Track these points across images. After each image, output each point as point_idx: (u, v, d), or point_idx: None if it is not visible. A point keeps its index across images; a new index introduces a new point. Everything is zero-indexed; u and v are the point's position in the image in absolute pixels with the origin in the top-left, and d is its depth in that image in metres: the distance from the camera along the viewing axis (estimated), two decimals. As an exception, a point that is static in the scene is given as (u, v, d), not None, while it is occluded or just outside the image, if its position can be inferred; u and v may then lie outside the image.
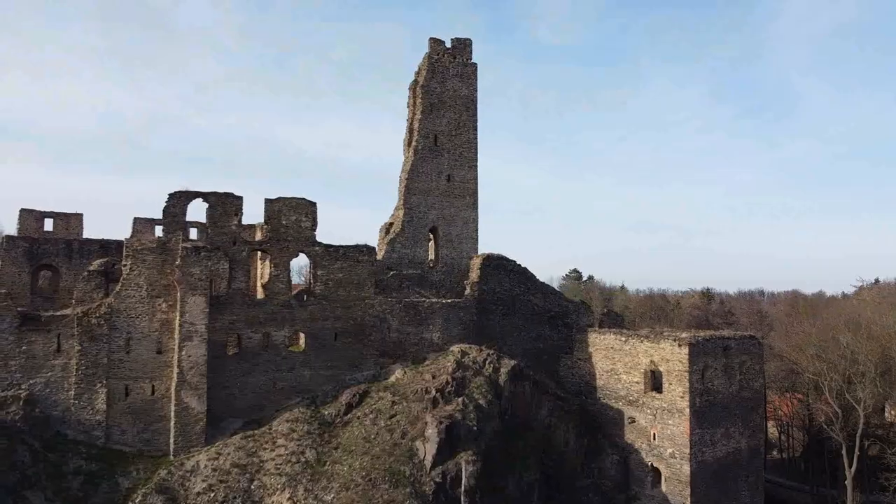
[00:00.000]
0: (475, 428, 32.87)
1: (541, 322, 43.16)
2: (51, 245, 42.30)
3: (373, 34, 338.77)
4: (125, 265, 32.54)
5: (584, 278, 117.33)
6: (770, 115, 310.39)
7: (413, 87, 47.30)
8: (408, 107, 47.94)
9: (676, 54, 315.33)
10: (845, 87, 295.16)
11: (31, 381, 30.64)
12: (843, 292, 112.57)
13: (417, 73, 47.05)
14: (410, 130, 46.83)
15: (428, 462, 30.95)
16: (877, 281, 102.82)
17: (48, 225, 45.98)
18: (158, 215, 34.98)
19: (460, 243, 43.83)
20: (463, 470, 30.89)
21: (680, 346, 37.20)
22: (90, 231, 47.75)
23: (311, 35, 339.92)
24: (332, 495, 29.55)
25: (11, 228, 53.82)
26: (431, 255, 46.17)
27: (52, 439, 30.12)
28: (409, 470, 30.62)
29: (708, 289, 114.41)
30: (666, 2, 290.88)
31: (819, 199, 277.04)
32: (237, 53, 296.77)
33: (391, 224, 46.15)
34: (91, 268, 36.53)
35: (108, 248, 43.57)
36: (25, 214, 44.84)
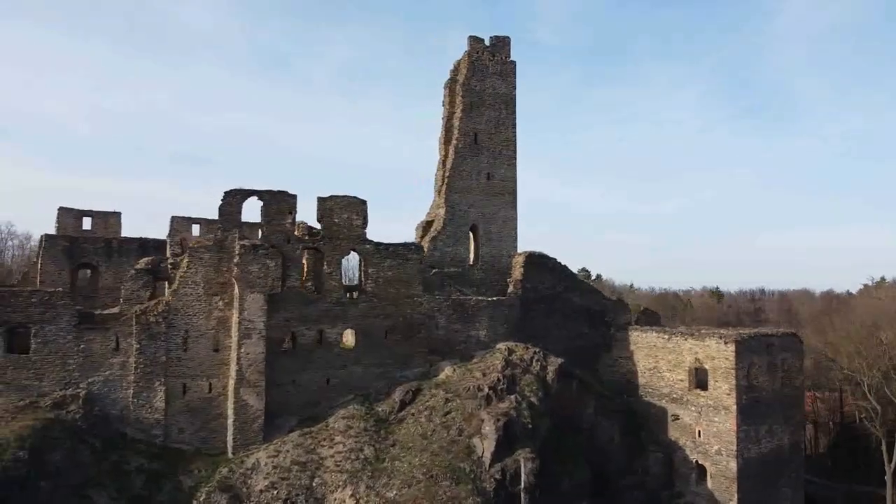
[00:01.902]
0: (530, 426, 33.04)
1: (580, 320, 43.30)
2: (90, 244, 42.25)
3: (373, 34, 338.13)
4: (182, 263, 32.49)
5: (593, 277, 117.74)
6: (769, 115, 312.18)
7: (449, 85, 47.33)
8: (443, 105, 47.96)
9: (675, 53, 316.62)
10: (845, 86, 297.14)
11: (89, 380, 30.58)
12: (847, 290, 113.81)
13: (454, 72, 47.07)
14: (447, 128, 46.87)
15: (486, 459, 31.10)
16: (882, 279, 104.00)
17: (86, 223, 45.80)
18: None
19: (500, 241, 43.93)
20: (522, 467, 31.06)
21: (726, 343, 37.46)
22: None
23: (310, 34, 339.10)
24: (395, 492, 29.63)
25: (34, 227, 53.59)
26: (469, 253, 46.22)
27: (112, 438, 30.06)
28: (469, 467, 30.77)
29: (717, 287, 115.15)
30: (666, 1, 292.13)
31: (819, 198, 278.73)
32: (237, 53, 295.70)
33: (428, 222, 46.18)
34: (138, 266, 36.42)
35: (146, 246, 43.55)
36: (64, 213, 44.69)
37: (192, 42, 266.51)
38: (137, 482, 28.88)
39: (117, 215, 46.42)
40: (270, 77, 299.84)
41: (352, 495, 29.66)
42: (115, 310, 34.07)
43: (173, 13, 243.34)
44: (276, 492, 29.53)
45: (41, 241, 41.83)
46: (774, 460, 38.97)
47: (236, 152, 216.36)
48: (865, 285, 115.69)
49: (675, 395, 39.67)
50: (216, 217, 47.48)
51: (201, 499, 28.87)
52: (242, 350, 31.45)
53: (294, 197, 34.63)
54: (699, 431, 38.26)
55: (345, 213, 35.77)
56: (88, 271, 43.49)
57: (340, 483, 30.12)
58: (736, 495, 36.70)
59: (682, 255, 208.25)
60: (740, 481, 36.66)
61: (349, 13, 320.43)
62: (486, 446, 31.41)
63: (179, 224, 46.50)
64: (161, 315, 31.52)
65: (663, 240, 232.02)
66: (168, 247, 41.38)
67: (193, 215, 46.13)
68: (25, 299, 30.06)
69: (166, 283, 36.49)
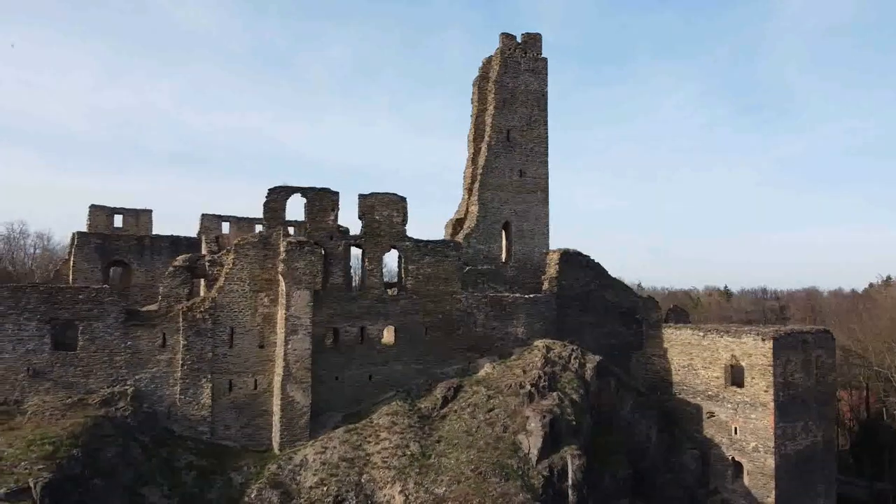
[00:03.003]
0: (574, 423, 33.07)
1: (613, 318, 43.39)
2: (122, 241, 42.08)
3: (371, 33, 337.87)
4: (227, 260, 32.41)
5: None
6: (768, 114, 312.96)
7: (478, 82, 47.32)
8: (472, 102, 47.95)
9: (675, 53, 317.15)
10: (844, 86, 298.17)
11: (136, 377, 30.48)
12: (853, 289, 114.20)
13: (482, 69, 47.06)
14: (477, 126, 46.86)
15: (533, 456, 31.12)
16: (889, 278, 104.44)
17: (117, 221, 45.63)
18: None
19: (532, 238, 43.94)
20: (569, 464, 31.10)
21: (763, 340, 37.61)
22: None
23: (309, 33, 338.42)
24: (444, 488, 29.62)
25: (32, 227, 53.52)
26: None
27: (160, 435, 29.96)
28: (516, 463, 30.78)
29: (725, 286, 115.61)
30: (665, 1, 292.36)
31: (818, 198, 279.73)
32: (237, 52, 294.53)
33: (457, 220, 46.17)
34: (176, 263, 36.24)
35: (178, 244, 43.42)
36: (95, 211, 44.56)
37: (192, 42, 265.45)
38: (188, 479, 28.79)
39: (148, 213, 46.30)
40: (270, 76, 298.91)
41: (401, 491, 29.62)
42: (154, 307, 33.95)
43: (173, 13, 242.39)
44: (325, 488, 29.47)
45: (73, 238, 41.66)
46: (809, 457, 39.14)
47: (235, 152, 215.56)
48: (871, 284, 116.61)
49: (710, 393, 39.78)
50: (245, 215, 47.90)
51: (252, 495, 28.80)
52: (289, 346, 31.38)
53: (336, 194, 34.57)
54: (735, 428, 38.39)
55: (385, 210, 35.73)
56: (120, 269, 43.33)
57: (389, 479, 30.08)
58: (773, 492, 36.87)
59: (681, 255, 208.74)
60: (778, 478, 36.85)
61: (349, 13, 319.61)
62: (532, 443, 31.42)
63: (209, 222, 46.51)
64: (207, 312, 31.43)
65: (662, 239, 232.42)
66: (203, 244, 41.24)
67: (223, 213, 46.17)
68: (73, 296, 29.93)
69: (202, 280, 36.42)
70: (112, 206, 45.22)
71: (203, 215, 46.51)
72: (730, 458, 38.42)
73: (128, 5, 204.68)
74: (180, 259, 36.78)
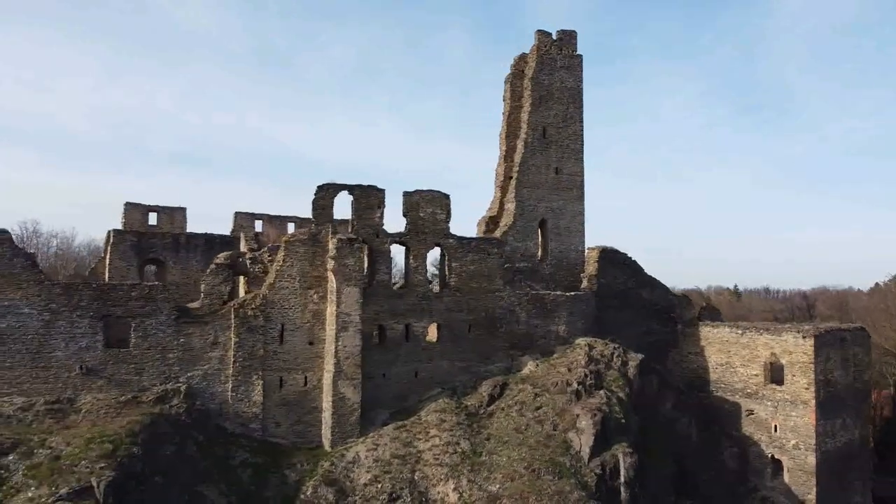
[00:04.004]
0: (623, 421, 33.07)
1: (649, 316, 43.43)
2: (158, 239, 41.88)
3: (372, 33, 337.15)
4: (278, 257, 32.28)
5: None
6: (768, 114, 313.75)
7: (510, 79, 47.15)
8: (503, 100, 47.76)
9: (675, 53, 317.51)
10: (845, 85, 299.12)
11: (188, 374, 30.30)
12: (858, 289, 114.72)
13: (515, 66, 46.87)
14: (509, 123, 46.70)
15: (585, 454, 31.12)
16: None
17: (152, 219, 45.42)
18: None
19: (568, 236, 43.80)
20: (621, 462, 31.12)
21: (804, 337, 37.71)
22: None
23: (310, 33, 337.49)
24: (497, 486, 29.57)
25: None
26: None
27: (214, 433, 29.80)
28: (568, 461, 30.75)
29: (736, 286, 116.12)
30: (665, 1, 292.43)
31: (818, 198, 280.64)
32: (237, 52, 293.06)
33: (490, 217, 46.00)
34: (218, 260, 36.08)
35: (212, 242, 43.26)
36: (130, 208, 44.35)
37: (192, 42, 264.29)
38: (244, 477, 28.66)
39: (182, 211, 46.09)
40: (270, 76, 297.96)
41: (454, 489, 29.56)
42: (196, 304, 33.77)
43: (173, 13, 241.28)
44: (379, 485, 29.38)
45: (108, 236, 41.45)
46: (847, 454, 39.35)
47: (236, 152, 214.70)
48: (877, 283, 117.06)
49: (749, 390, 39.85)
50: (278, 213, 47.78)
51: (308, 493, 28.68)
52: (340, 343, 31.26)
53: (382, 191, 34.44)
54: (775, 426, 38.48)
55: (429, 208, 35.63)
56: (155, 267, 43.13)
57: (441, 476, 30.01)
58: (814, 489, 37.01)
59: (682, 255, 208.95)
60: (818, 475, 36.95)
61: (349, 13, 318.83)
62: (583, 441, 31.41)
63: (243, 219, 46.39)
64: (259, 308, 31.28)
65: (661, 239, 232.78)
66: (242, 241, 41.09)
67: (257, 211, 46.09)
68: (126, 293, 29.73)
69: (241, 277, 36.28)
70: (147, 203, 44.96)
71: (236, 213, 46.43)
72: (769, 455, 38.52)
73: (128, 5, 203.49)
74: (222, 256, 36.56)
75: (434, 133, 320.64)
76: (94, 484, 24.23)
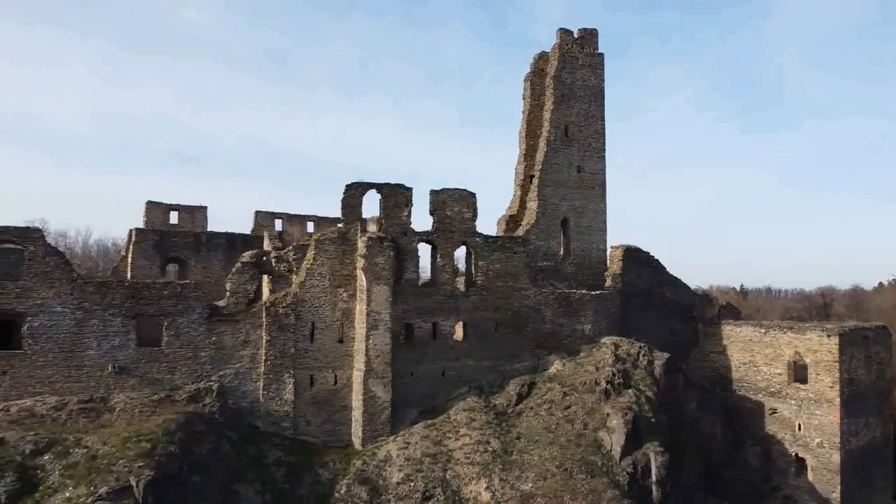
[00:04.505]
0: (653, 420, 33.07)
1: (671, 315, 43.45)
2: (180, 238, 41.72)
3: (372, 32, 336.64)
4: (308, 255, 32.21)
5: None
6: (769, 114, 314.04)
7: (529, 78, 47.11)
8: (523, 98, 47.73)
9: (675, 53, 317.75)
10: (845, 85, 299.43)
11: (220, 373, 30.23)
12: (862, 287, 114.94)
13: (535, 64, 46.84)
14: (529, 121, 46.66)
15: (616, 453, 31.11)
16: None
17: (173, 217, 45.28)
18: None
19: (590, 235, 43.80)
20: (652, 461, 31.11)
21: (829, 336, 37.73)
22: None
23: (310, 32, 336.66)
24: (530, 485, 29.55)
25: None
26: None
27: (247, 431, 29.76)
28: (600, 460, 30.74)
29: (742, 285, 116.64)
30: (663, 1, 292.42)
31: (818, 198, 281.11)
32: (237, 51, 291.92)
33: (511, 216, 45.97)
34: (244, 259, 36.00)
35: (233, 241, 43.12)
36: (152, 207, 44.18)
37: (193, 42, 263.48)
38: (278, 476, 28.61)
39: (203, 209, 45.94)
40: (270, 75, 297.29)
41: (487, 488, 29.53)
42: (222, 302, 33.69)
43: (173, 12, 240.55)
44: (412, 484, 29.35)
45: (130, 235, 41.29)
46: (869, 452, 39.46)
47: (235, 152, 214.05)
48: (881, 283, 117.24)
49: (772, 389, 39.88)
50: (297, 213, 47.72)
51: (342, 491, 28.65)
52: (370, 341, 31.23)
53: (410, 190, 34.37)
54: (799, 425, 38.50)
55: (456, 206, 35.58)
56: (176, 266, 42.99)
57: (473, 475, 29.98)
58: (839, 487, 37.06)
59: (682, 256, 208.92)
60: (843, 473, 37.01)
61: (349, 13, 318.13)
62: (614, 440, 31.40)
63: (263, 218, 46.32)
64: (290, 307, 31.22)
65: (660, 239, 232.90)
66: (266, 240, 40.96)
67: (277, 210, 46.02)
68: (158, 291, 29.64)
69: (265, 276, 36.18)
70: (168, 202, 44.81)
71: (257, 212, 46.38)
72: (793, 454, 38.56)
73: (128, 5, 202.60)
74: (248, 255, 36.47)
75: (435, 132, 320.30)
76: (133, 483, 24.15)
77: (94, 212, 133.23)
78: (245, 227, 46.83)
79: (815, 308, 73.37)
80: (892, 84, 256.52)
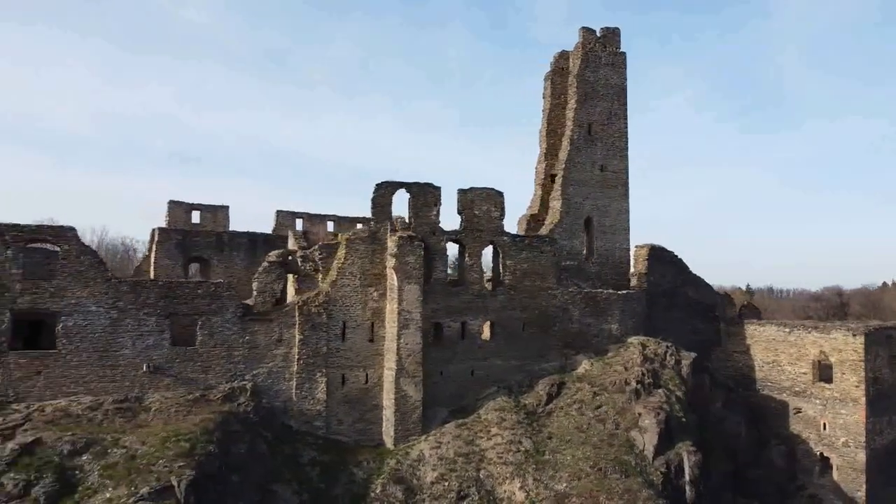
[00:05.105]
0: (683, 419, 33.06)
1: (694, 314, 43.45)
2: (202, 237, 41.64)
3: (371, 32, 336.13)
4: (339, 254, 32.12)
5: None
6: (769, 114, 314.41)
7: (550, 77, 47.05)
8: (543, 97, 47.67)
9: (675, 53, 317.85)
10: (845, 85, 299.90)
11: (253, 372, 30.14)
12: (865, 287, 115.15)
13: (555, 63, 46.78)
14: (550, 120, 46.60)
15: (649, 452, 31.10)
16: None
17: (195, 217, 45.17)
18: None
19: (613, 234, 43.73)
20: (685, 460, 31.11)
21: (854, 335, 37.75)
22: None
23: (310, 32, 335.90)
24: (564, 484, 29.52)
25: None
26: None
27: (280, 431, 29.67)
28: (633, 460, 30.72)
29: (748, 285, 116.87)
30: (664, 1, 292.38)
31: (817, 197, 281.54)
32: (237, 51, 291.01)
33: (532, 215, 45.88)
34: (270, 259, 35.87)
35: (255, 240, 43.05)
36: (174, 206, 44.07)
37: (192, 42, 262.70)
38: (313, 475, 28.54)
39: (225, 209, 45.85)
40: (270, 75, 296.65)
41: (521, 487, 29.49)
42: (249, 301, 33.61)
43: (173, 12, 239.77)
44: (447, 483, 29.29)
45: (153, 234, 41.20)
46: (894, 451, 39.46)
47: (235, 152, 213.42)
48: (885, 283, 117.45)
49: (797, 389, 39.92)
50: (318, 212, 47.64)
51: (377, 491, 28.58)
52: (401, 341, 31.16)
53: (438, 189, 34.29)
54: (824, 424, 38.53)
55: (484, 205, 35.52)
56: (198, 265, 42.90)
57: (507, 475, 29.94)
58: (864, 486, 37.12)
59: (680, 254, 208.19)
60: (868, 472, 37.06)
61: (349, 12, 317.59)
62: (647, 440, 31.39)
63: (284, 218, 46.24)
64: (322, 306, 31.13)
65: (659, 240, 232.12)
66: (290, 240, 40.88)
67: (298, 209, 45.95)
68: (192, 290, 29.53)
69: (290, 276, 36.09)
70: (190, 201, 44.68)
71: (278, 212, 46.32)
72: (817, 453, 38.59)
73: (128, 5, 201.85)
74: (274, 254, 36.38)
75: (435, 132, 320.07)
76: (175, 483, 24.01)
77: (94, 212, 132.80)
78: (257, 226, 46.67)
79: (831, 308, 73.44)
80: (892, 84, 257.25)
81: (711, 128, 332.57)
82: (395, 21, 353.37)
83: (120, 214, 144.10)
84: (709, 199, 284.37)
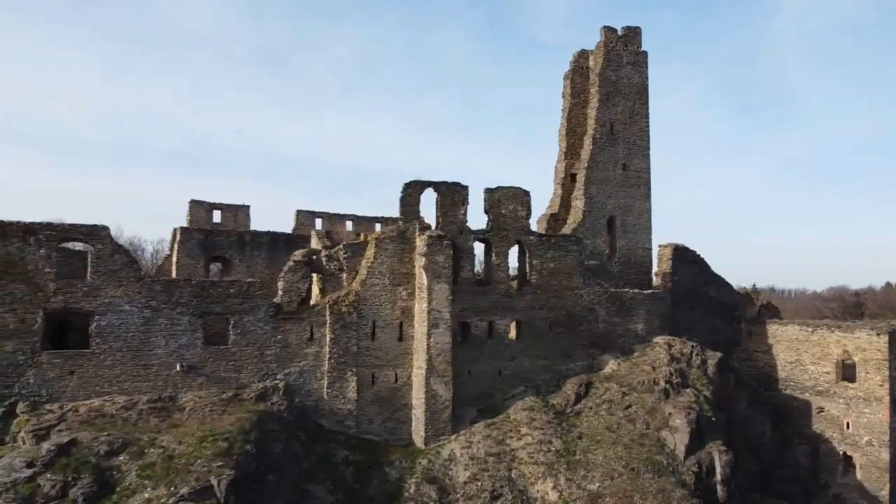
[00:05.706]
0: (713, 419, 33.06)
1: (715, 313, 43.45)
2: (224, 237, 41.54)
3: (372, 32, 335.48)
4: (368, 254, 32.09)
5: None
6: (769, 114, 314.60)
7: (569, 76, 46.96)
8: (563, 97, 47.58)
9: (675, 53, 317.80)
10: (846, 85, 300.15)
11: (285, 371, 30.08)
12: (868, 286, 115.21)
13: (575, 62, 46.71)
14: (569, 119, 46.52)
15: (680, 452, 31.11)
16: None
17: (216, 217, 45.07)
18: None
19: (635, 234, 43.70)
20: (716, 460, 31.12)
21: (878, 335, 37.76)
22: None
23: (310, 33, 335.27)
24: (597, 484, 29.51)
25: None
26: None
27: (313, 430, 29.62)
28: (665, 460, 30.72)
29: (754, 285, 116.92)
30: (664, 1, 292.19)
31: (817, 197, 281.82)
32: (237, 52, 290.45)
33: (552, 215, 45.82)
34: (296, 258, 35.77)
35: (277, 240, 42.96)
36: (195, 206, 43.97)
37: (192, 42, 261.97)
38: (347, 475, 28.50)
39: (246, 208, 45.77)
40: (270, 76, 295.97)
41: (553, 487, 29.48)
42: (276, 300, 33.54)
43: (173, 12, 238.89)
44: (479, 483, 29.28)
45: (174, 234, 41.09)
46: (916, 451, 39.45)
47: (235, 152, 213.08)
48: (889, 283, 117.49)
49: (820, 388, 39.94)
50: (336, 211, 47.58)
51: (411, 490, 28.56)
52: (431, 340, 31.12)
53: (466, 188, 34.27)
54: (847, 423, 38.56)
55: (511, 204, 35.49)
56: (220, 264, 42.80)
57: (539, 475, 29.93)
58: (888, 485, 37.18)
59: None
60: (892, 471, 37.12)
61: (349, 12, 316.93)
62: (677, 439, 31.40)
63: (304, 218, 46.16)
64: (352, 305, 31.08)
65: (658, 239, 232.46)
66: (314, 239, 40.79)
67: (316, 209, 45.89)
68: (224, 290, 29.45)
69: (315, 275, 36.02)
70: (210, 201, 44.58)
71: (298, 211, 46.25)
72: (841, 452, 38.63)
73: (128, 5, 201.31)
74: (299, 254, 36.26)
75: (435, 132, 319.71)
76: (214, 483, 23.98)
77: (95, 212, 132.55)
78: (265, 224, 46.66)
79: (847, 307, 73.64)
80: (893, 84, 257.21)
81: (711, 128, 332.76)
82: (395, 21, 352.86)
83: (120, 214, 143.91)
84: (709, 199, 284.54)
